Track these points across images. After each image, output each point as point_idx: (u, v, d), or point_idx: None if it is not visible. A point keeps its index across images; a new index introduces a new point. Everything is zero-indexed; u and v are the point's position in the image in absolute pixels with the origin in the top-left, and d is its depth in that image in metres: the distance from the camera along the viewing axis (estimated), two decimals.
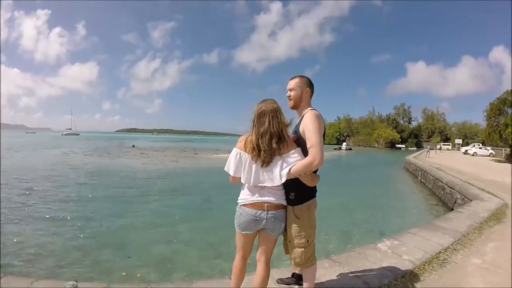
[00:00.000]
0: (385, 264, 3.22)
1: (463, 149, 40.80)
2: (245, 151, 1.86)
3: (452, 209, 9.17)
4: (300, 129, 1.95)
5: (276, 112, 1.84)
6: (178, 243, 6.08)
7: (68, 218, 7.49)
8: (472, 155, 34.25)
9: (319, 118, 1.91)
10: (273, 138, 1.78)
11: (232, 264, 2.07)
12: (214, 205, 9.60)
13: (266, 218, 1.87)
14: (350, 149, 61.26)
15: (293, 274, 2.61)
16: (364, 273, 2.97)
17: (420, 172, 17.23)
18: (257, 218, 1.87)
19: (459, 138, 63.79)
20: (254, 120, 1.85)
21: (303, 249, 2.01)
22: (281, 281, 2.57)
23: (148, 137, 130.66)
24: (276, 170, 1.84)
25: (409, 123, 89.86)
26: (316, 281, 2.54)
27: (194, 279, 3.01)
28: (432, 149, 36.76)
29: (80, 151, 32.90)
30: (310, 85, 2.08)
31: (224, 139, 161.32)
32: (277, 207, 1.91)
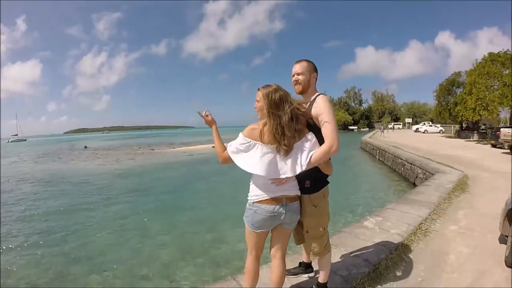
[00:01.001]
0: (377, 240, 3.45)
1: (414, 127, 44.81)
2: (261, 141, 1.76)
3: (414, 184, 10.12)
4: (313, 114, 1.94)
5: (290, 97, 1.81)
6: (152, 247, 5.84)
7: (26, 236, 6.78)
8: (423, 132, 37.89)
9: (330, 102, 1.96)
10: (295, 124, 1.75)
11: (245, 265, 1.99)
12: (181, 201, 9.51)
13: (285, 213, 1.83)
14: None
15: (300, 263, 2.64)
16: (362, 251, 3.15)
17: (378, 151, 18.59)
18: (275, 214, 1.81)
19: (409, 117, 69.41)
20: (271, 107, 1.74)
21: (321, 237, 2.05)
22: (288, 272, 2.54)
23: (99, 136, 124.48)
24: (296, 158, 1.79)
25: (360, 105, 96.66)
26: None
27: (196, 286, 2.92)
28: (385, 128, 39.69)
29: (30, 158, 30.70)
30: (316, 69, 2.10)
31: (177, 132, 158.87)
32: (293, 199, 1.88)
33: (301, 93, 2.08)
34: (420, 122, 52.55)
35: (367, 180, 12.75)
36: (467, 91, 22.30)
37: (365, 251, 3.16)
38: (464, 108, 21.88)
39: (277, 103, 1.74)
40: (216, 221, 7.14)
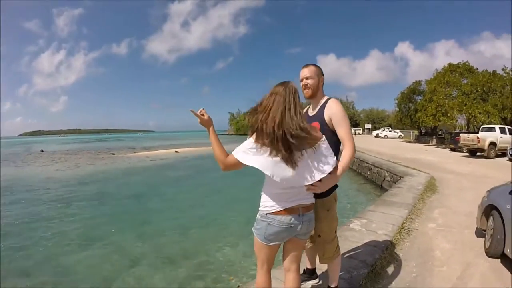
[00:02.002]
0: (367, 241, 3.68)
1: (374, 132, 47.67)
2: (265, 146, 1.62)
3: (381, 186, 10.80)
4: (326, 118, 2.01)
5: (288, 102, 1.63)
6: (124, 260, 5.57)
7: None
8: (384, 137, 40.59)
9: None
10: (303, 129, 1.62)
11: (255, 281, 1.92)
12: (149, 209, 9.37)
13: (302, 223, 1.76)
14: None
15: (304, 270, 2.68)
16: (356, 252, 3.34)
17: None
18: (292, 226, 1.73)
19: (368, 123, 73.73)
20: (283, 107, 1.61)
21: (332, 240, 2.15)
22: None
23: (56, 139, 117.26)
24: (313, 165, 1.69)
25: None
26: (321, 271, 2.73)
27: None
28: None
29: None
30: (323, 72, 2.18)
31: (136, 135, 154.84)
32: (309, 207, 1.81)
33: (310, 97, 2.14)
34: (379, 128, 56.02)
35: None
36: (427, 99, 24.75)
37: (359, 252, 3.36)
38: (425, 114, 24.09)
39: (288, 103, 1.62)
40: (189, 228, 7.06)
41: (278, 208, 1.70)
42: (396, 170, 10.36)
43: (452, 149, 18.43)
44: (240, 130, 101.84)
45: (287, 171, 1.60)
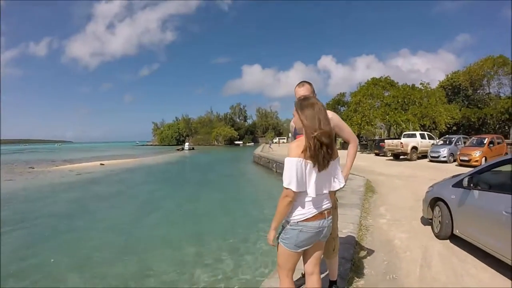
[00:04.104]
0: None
1: None
2: (305, 158, 1.85)
3: None
4: None
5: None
6: None
7: None
8: None
9: None
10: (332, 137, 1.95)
11: None
12: (84, 230, 8.64)
13: (327, 226, 2.03)
14: (193, 148, 66.52)
15: (303, 274, 2.92)
16: None
17: (275, 164, 20.85)
18: (321, 229, 1.98)
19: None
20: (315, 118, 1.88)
21: (338, 236, 2.57)
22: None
23: None
24: (335, 171, 2.03)
25: (245, 121, 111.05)
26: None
27: None
28: (273, 143, 44.20)
29: None
30: (314, 90, 2.62)
31: (54, 147, 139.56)
32: (330, 211, 2.08)
33: None
34: None
35: (273, 191, 14.04)
36: (352, 109, 28.06)
37: None
38: (350, 123, 27.29)
39: (318, 113, 1.92)
40: (132, 248, 6.83)
41: (309, 215, 1.94)
42: None
43: (377, 154, 21.40)
44: (165, 141, 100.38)
45: (320, 178, 1.91)
